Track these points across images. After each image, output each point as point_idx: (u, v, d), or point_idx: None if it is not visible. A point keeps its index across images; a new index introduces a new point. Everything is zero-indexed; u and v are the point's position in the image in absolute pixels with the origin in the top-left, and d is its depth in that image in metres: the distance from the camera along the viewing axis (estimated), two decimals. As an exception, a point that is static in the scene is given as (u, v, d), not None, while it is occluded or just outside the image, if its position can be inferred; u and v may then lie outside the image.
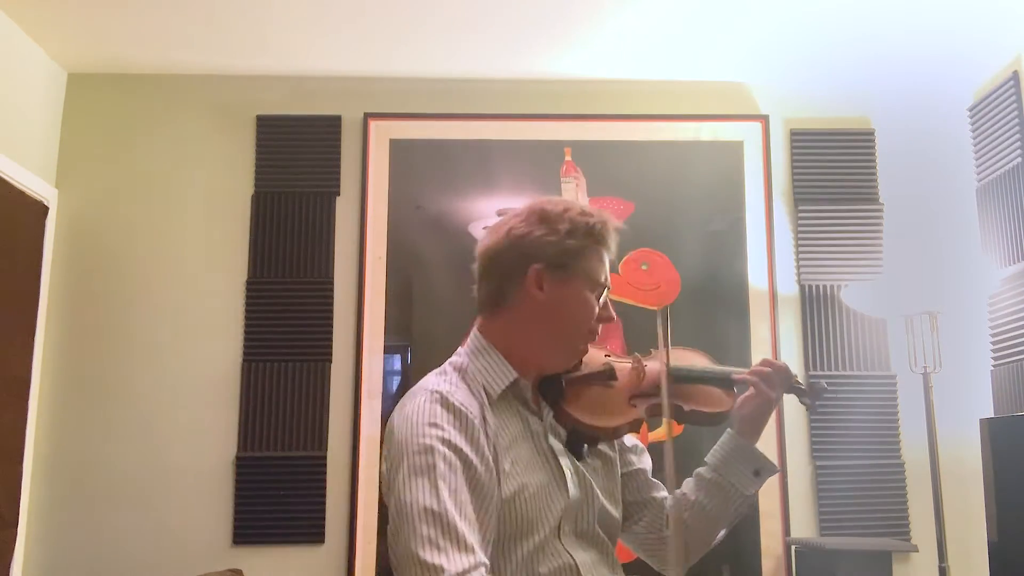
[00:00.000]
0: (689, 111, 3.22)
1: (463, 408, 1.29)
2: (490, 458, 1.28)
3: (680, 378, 1.54)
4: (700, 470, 1.58)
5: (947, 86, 3.19)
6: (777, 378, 1.54)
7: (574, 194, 3.16)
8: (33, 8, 2.76)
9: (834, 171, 3.20)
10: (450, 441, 1.24)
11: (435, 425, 1.26)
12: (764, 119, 3.23)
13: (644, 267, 3.12)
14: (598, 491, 1.43)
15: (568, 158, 3.18)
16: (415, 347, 3.09)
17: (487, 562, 1.19)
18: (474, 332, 1.45)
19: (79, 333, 3.04)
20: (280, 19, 2.83)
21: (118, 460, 2.95)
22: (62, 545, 2.90)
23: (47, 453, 2.95)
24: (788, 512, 2.99)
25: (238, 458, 2.96)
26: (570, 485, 1.38)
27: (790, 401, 3.04)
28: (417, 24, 2.87)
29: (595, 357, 1.54)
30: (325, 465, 2.96)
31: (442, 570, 1.12)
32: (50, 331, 3.02)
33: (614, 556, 1.47)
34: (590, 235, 1.43)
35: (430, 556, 1.14)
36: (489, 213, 3.11)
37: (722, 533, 1.58)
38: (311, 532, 2.92)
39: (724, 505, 1.53)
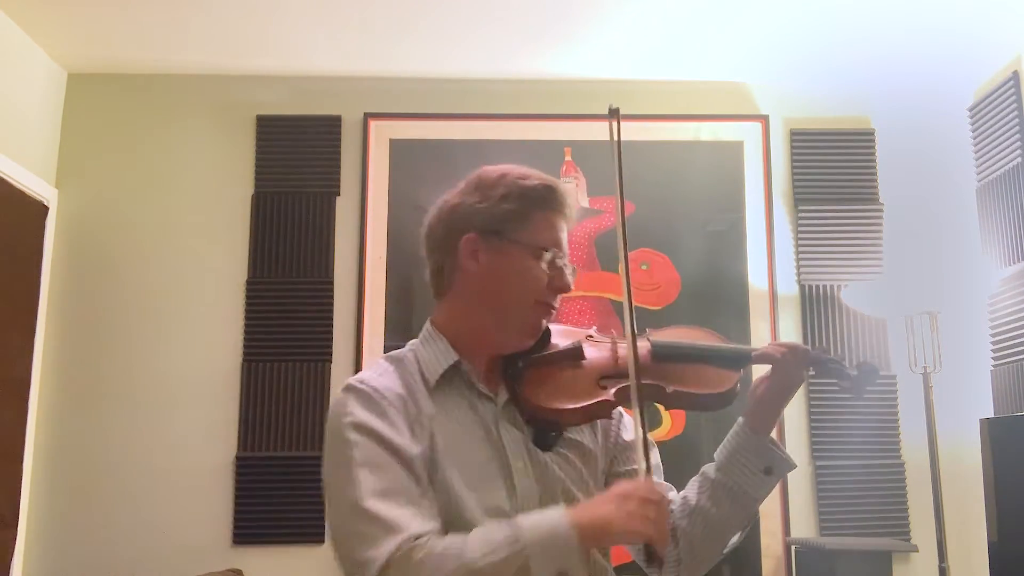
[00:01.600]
0: (689, 111, 3.22)
1: (371, 391, 1.23)
2: (407, 429, 1.21)
3: (667, 356, 1.36)
4: (706, 467, 1.38)
5: (947, 86, 3.19)
6: (798, 357, 1.34)
7: (574, 194, 3.16)
8: (33, 8, 2.76)
9: (834, 171, 3.20)
10: (361, 423, 1.20)
11: (346, 414, 1.21)
12: (764, 119, 3.23)
13: (644, 267, 3.12)
14: (568, 483, 1.29)
15: (568, 158, 3.18)
16: (415, 347, 3.08)
17: (427, 527, 1.13)
18: (427, 321, 1.37)
19: (79, 333, 3.03)
20: (280, 19, 2.83)
21: (118, 460, 2.95)
22: (62, 545, 2.90)
23: (47, 453, 2.95)
24: (788, 512, 2.99)
25: (238, 458, 2.96)
26: (517, 478, 1.25)
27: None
28: (417, 24, 2.87)
29: (573, 336, 1.40)
30: (325, 465, 2.96)
31: (373, 561, 1.09)
32: (50, 331, 3.02)
33: (591, 553, 1.28)
34: (527, 198, 1.31)
35: (360, 552, 1.11)
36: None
37: (735, 539, 1.36)
38: (311, 532, 2.92)
39: (731, 509, 1.32)
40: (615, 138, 1.33)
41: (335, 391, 2.98)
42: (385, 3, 2.74)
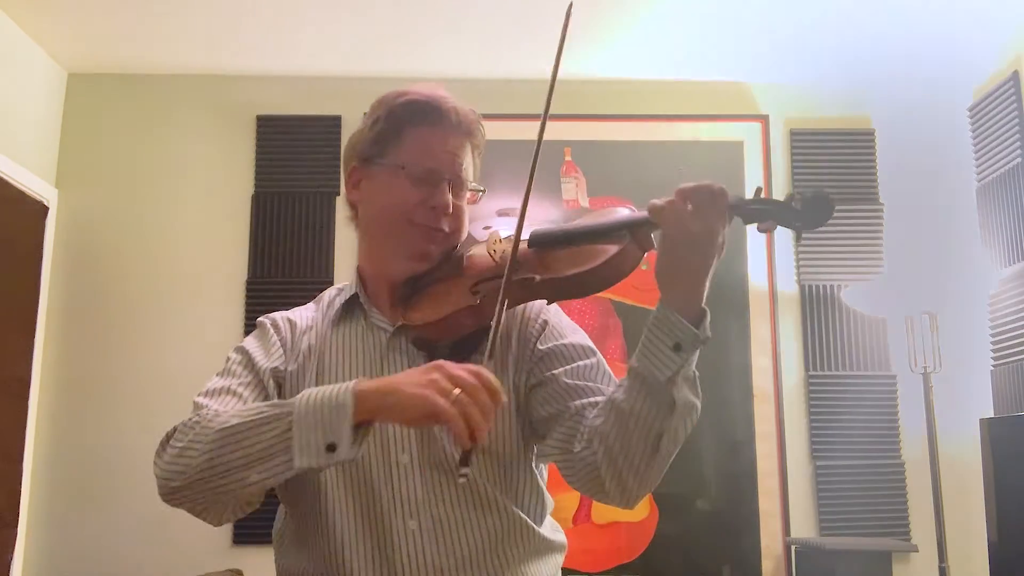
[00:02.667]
0: (689, 111, 3.22)
1: (268, 322, 1.30)
2: (281, 351, 1.24)
3: (547, 244, 1.20)
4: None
5: (947, 86, 3.19)
6: (698, 204, 1.12)
7: (574, 194, 3.16)
8: (33, 8, 2.76)
9: (834, 171, 3.20)
10: (241, 346, 1.28)
11: (245, 339, 1.31)
12: (764, 119, 3.23)
13: (644, 267, 3.11)
14: None
15: (568, 158, 3.18)
16: (415, 347, 3.08)
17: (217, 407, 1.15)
18: None
19: (79, 333, 3.03)
20: (280, 19, 2.83)
21: (118, 460, 2.95)
22: (62, 545, 2.90)
23: (47, 453, 2.95)
24: (788, 512, 2.99)
25: (238, 458, 2.96)
26: None
27: (788, 399, 3.05)
28: (417, 24, 2.87)
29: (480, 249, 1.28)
30: (325, 465, 2.96)
31: (173, 428, 1.12)
32: (50, 331, 3.01)
33: (480, 484, 1.18)
34: (396, 116, 1.24)
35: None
36: (489, 213, 3.10)
37: (667, 447, 1.11)
38: (311, 532, 2.91)
39: (641, 397, 1.09)
40: (562, 34, 1.22)
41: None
42: (385, 3, 2.74)
